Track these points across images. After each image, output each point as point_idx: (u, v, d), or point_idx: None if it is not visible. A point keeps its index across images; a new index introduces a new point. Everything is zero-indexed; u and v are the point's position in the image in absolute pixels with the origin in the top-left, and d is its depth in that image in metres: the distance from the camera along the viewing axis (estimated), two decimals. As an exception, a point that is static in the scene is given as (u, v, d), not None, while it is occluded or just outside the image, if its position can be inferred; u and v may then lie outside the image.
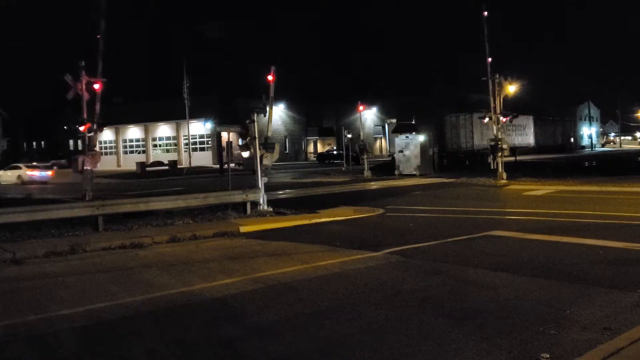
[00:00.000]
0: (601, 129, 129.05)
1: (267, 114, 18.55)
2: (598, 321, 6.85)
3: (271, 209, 17.87)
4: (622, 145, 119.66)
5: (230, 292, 8.76)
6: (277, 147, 18.39)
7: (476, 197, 21.91)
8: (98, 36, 17.38)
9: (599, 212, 16.06)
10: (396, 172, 35.10)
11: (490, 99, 27.89)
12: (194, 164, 57.55)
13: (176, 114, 60.42)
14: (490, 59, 27.67)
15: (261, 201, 17.90)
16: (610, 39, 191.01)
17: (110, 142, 70.97)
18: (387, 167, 40.06)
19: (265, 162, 18.19)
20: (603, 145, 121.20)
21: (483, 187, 26.12)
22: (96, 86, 16.88)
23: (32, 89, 79.74)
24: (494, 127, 28.30)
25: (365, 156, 37.03)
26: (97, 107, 17.68)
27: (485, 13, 27.46)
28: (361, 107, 39.79)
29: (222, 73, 67.14)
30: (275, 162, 19.44)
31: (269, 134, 18.55)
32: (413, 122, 45.84)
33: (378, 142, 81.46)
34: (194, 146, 63.12)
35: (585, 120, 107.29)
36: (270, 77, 18.22)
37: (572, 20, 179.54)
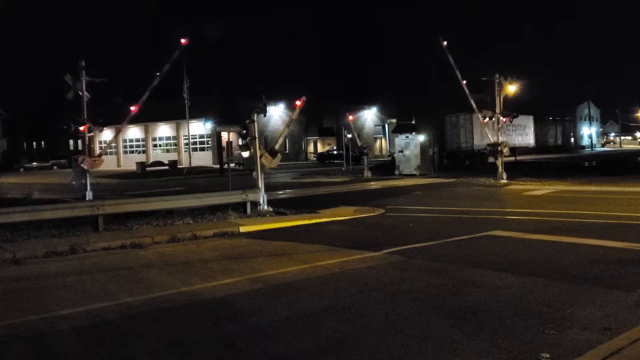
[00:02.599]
0: (601, 129, 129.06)
1: (283, 130, 20.41)
2: (598, 321, 6.85)
3: (271, 209, 17.87)
4: (622, 145, 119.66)
5: (231, 292, 8.76)
6: (279, 156, 18.79)
7: (476, 197, 21.91)
8: (158, 73, 18.17)
9: (599, 212, 16.06)
10: (396, 172, 35.09)
11: (477, 110, 28.44)
12: (194, 164, 57.53)
13: (176, 114, 60.38)
14: (465, 82, 28.03)
15: (261, 201, 17.90)
16: (611, 39, 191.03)
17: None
18: (387, 167, 40.04)
19: (263, 161, 18.21)
20: (603, 145, 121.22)
21: (483, 187, 26.13)
22: (132, 108, 18.40)
23: (32, 89, 79.81)
24: (489, 134, 28.51)
25: (365, 157, 37.17)
26: (124, 125, 18.33)
27: (445, 43, 27.35)
28: (350, 117, 40.38)
29: (222, 73, 67.18)
30: (275, 163, 20.07)
31: (277, 146, 19.21)
32: (413, 122, 45.71)
33: (378, 142, 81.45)
34: (194, 146, 63.09)
35: (585, 120, 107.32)
36: (298, 103, 19.68)
37: (572, 20, 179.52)
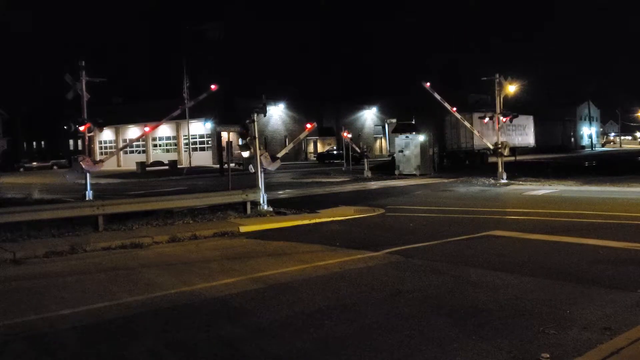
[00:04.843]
0: (601, 129, 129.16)
1: (288, 145, 21.71)
2: (598, 321, 6.85)
3: (271, 209, 17.87)
4: (622, 145, 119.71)
5: (231, 292, 8.76)
6: (278, 161, 19.12)
7: (476, 197, 21.91)
8: (180, 107, 19.09)
9: (599, 212, 16.06)
10: (396, 172, 35.08)
11: (472, 129, 28.82)
12: (194, 163, 57.52)
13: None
14: (455, 108, 29.96)
15: (261, 201, 17.91)
16: (611, 39, 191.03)
17: (110, 142, 70.97)
18: (387, 167, 40.05)
19: (262, 160, 18.29)
20: (603, 145, 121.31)
21: (483, 187, 26.14)
22: (146, 129, 18.74)
23: (32, 89, 79.82)
24: (481, 137, 28.63)
25: (366, 159, 37.27)
26: (133, 141, 18.77)
27: (428, 84, 28.14)
28: (345, 133, 40.85)
29: (222, 73, 67.15)
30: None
31: (280, 155, 19.69)
32: (413, 122, 45.73)
33: (378, 142, 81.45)
34: (194, 146, 63.09)
35: (585, 120, 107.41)
36: (308, 126, 21.05)
37: (572, 20, 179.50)
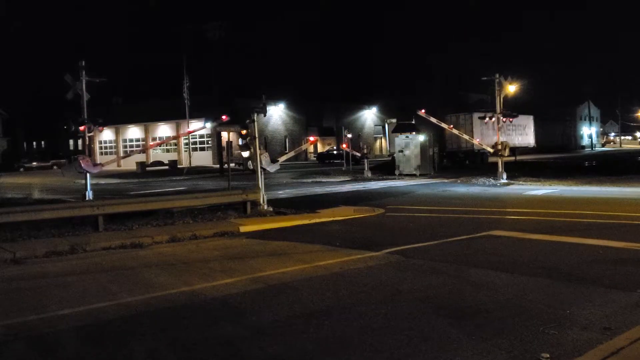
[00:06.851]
0: (601, 129, 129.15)
1: (289, 152, 21.83)
2: (598, 321, 6.85)
3: (271, 209, 17.88)
4: (622, 145, 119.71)
5: (231, 292, 8.76)
6: (278, 163, 19.28)
7: (476, 197, 21.91)
8: (190, 128, 19.82)
9: (599, 212, 16.06)
10: (396, 172, 35.08)
11: (465, 137, 32.57)
12: (194, 163, 57.53)
13: (176, 114, 60.43)
14: (452, 126, 33.61)
15: (261, 201, 17.91)
16: (611, 39, 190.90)
17: (110, 142, 70.94)
18: (387, 167, 40.05)
19: (262, 159, 18.34)
20: (603, 145, 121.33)
21: (483, 186, 26.14)
22: (151, 143, 19.31)
23: (32, 89, 79.80)
24: (478, 143, 28.65)
25: (366, 160, 37.31)
26: (134, 153, 18.72)
27: (423, 111, 30.57)
28: (344, 145, 40.92)
29: (222, 73, 67.19)
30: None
31: (281, 160, 19.76)
32: (413, 122, 45.73)
33: (378, 142, 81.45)
34: (194, 146, 63.09)
35: (585, 120, 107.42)
36: (311, 139, 21.90)
37: (572, 20, 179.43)
